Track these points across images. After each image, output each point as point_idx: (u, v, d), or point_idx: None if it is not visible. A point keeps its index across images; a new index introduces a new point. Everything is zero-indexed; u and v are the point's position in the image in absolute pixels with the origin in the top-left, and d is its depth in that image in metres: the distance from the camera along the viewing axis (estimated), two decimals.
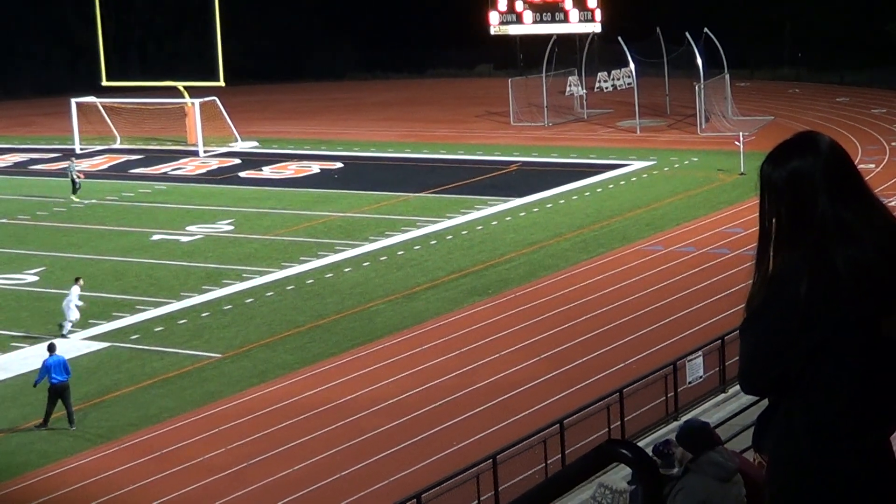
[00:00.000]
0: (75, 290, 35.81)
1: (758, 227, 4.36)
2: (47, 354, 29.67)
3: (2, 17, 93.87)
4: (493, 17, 74.47)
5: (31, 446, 27.98)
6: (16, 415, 29.87)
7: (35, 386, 29.54)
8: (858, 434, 4.27)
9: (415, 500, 22.26)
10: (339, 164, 60.99)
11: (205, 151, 65.31)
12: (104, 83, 69.75)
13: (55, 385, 29.02)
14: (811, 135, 4.39)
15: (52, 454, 27.48)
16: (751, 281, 4.38)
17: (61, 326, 35.45)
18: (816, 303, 4.16)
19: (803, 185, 4.27)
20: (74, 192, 54.99)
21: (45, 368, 29.28)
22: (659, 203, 48.38)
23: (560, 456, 24.29)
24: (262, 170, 60.58)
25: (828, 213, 4.23)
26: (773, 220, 4.31)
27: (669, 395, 27.27)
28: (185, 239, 46.53)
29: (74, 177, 55.42)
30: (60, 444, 27.98)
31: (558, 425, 24.74)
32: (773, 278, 4.27)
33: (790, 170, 4.30)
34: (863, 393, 4.25)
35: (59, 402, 28.99)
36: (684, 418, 24.30)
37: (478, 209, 49.07)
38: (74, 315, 35.58)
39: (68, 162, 58.46)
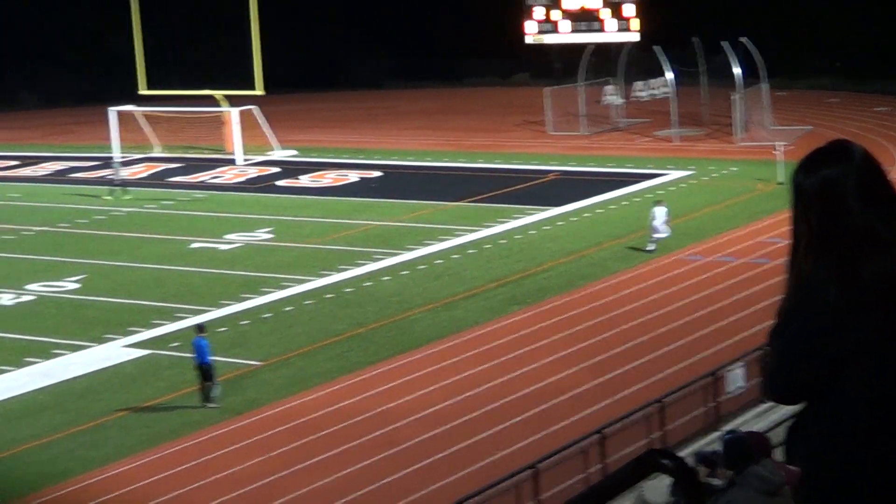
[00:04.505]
0: (660, 211, 42.35)
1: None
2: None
3: (41, 27, 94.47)
4: (530, 27, 74.40)
5: (74, 453, 28.15)
6: (59, 421, 30.06)
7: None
8: (888, 444, 4.29)
9: None
10: (377, 173, 61.09)
11: (243, 160, 65.54)
12: (143, 92, 70.04)
13: (196, 364, 30.59)
14: (843, 143, 4.41)
15: (94, 461, 27.64)
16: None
17: (652, 245, 42.17)
18: (844, 311, 4.19)
19: (834, 193, 4.28)
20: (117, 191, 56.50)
21: (193, 347, 31.13)
22: (697, 213, 48.26)
23: (600, 465, 24.28)
24: (300, 178, 60.74)
25: (858, 222, 4.25)
26: (805, 228, 4.35)
27: (710, 405, 27.22)
28: (224, 247, 46.72)
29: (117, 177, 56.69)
30: (102, 451, 28.15)
31: (599, 435, 24.73)
32: (802, 286, 4.30)
33: (822, 178, 4.31)
34: (890, 403, 4.27)
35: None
36: (725, 428, 24.25)
37: (516, 218, 49.07)
38: (662, 233, 42.23)
39: (112, 169, 58.92)
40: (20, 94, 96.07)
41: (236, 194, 57.76)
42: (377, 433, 28.30)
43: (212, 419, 29.72)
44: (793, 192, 4.38)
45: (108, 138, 68.61)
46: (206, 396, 30.51)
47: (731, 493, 9.73)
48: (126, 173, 58.21)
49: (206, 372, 30.63)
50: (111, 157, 61.54)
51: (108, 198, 56.50)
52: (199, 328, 31.81)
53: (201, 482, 26.31)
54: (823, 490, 4.39)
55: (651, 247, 42.51)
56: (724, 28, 69.50)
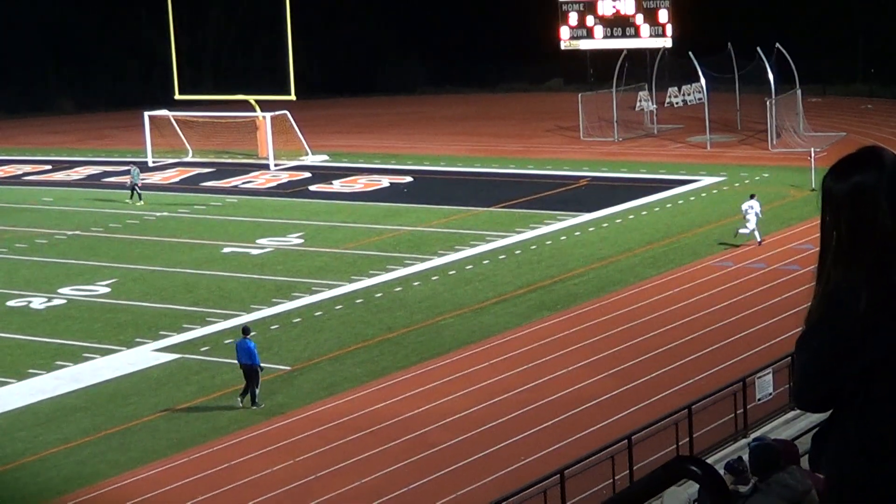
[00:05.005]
0: (755, 204, 43.86)
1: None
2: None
3: (77, 31, 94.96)
4: (564, 32, 74.42)
5: (103, 456, 28.22)
6: (88, 424, 30.15)
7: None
8: None
9: None
10: (408, 178, 61.13)
11: (275, 165, 65.67)
12: (177, 97, 70.29)
13: (242, 367, 30.83)
14: (875, 149, 4.34)
15: (123, 464, 27.70)
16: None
17: (742, 234, 43.79)
18: (874, 320, 4.12)
19: (865, 199, 4.20)
20: (136, 197, 56.81)
21: (236, 350, 31.29)
22: (729, 219, 48.02)
23: (628, 472, 24.18)
24: (332, 183, 60.83)
25: (888, 229, 4.17)
26: (834, 235, 4.27)
27: (738, 412, 27.10)
28: (255, 252, 46.80)
29: (134, 182, 56.90)
30: (131, 454, 28.21)
31: (626, 441, 24.64)
32: (831, 293, 4.23)
33: (852, 184, 4.24)
34: None
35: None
36: (753, 436, 24.13)
37: (547, 224, 49.02)
38: (751, 225, 43.68)
39: (131, 169, 58.89)
40: (57, 98, 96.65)
41: (268, 199, 57.86)
42: (406, 438, 28.28)
43: (241, 423, 29.75)
44: (822, 199, 4.31)
45: (142, 143, 69.04)
46: (252, 399, 30.65)
47: (753, 499, 9.69)
48: (141, 178, 58.17)
49: (249, 374, 30.72)
50: (144, 162, 61.76)
51: (128, 202, 56.66)
52: (245, 331, 31.84)
53: (230, 486, 26.34)
54: (849, 498, 4.32)
55: (745, 230, 43.85)
56: (759, 34, 69.36)
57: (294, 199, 57.44)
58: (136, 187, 57.18)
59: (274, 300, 39.85)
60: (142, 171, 61.31)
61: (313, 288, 41.04)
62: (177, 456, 28.06)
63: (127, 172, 59.26)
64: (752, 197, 44.60)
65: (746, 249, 43.30)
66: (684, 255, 43.26)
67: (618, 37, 72.92)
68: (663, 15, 71.59)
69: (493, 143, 71.10)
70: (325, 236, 48.97)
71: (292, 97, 66.17)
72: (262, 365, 31.08)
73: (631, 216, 50.05)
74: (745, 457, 12.23)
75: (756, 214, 43.60)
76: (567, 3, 73.67)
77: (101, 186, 62.73)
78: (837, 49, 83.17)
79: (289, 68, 65.96)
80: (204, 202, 57.18)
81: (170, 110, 70.50)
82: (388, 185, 59.89)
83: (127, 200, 56.83)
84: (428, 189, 58.00)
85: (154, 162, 67.98)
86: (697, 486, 4.23)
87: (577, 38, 74.24)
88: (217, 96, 73.17)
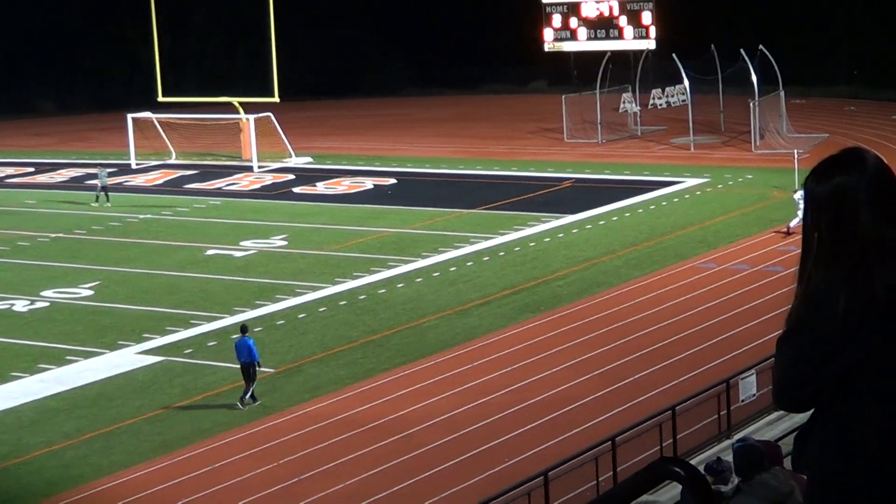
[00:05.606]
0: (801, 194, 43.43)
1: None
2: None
3: (61, 33, 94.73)
4: (548, 34, 74.39)
5: (86, 459, 28.17)
6: (71, 427, 30.08)
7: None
8: (893, 456, 4.23)
9: None
10: (392, 180, 61.10)
11: (259, 167, 65.60)
12: (160, 99, 70.19)
13: (241, 364, 31.01)
14: (857, 151, 4.35)
15: (106, 467, 27.65)
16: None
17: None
18: (854, 321, 4.13)
19: (846, 201, 4.22)
20: (106, 199, 56.75)
21: (236, 348, 31.48)
22: (712, 220, 48.20)
23: (612, 473, 24.21)
24: (315, 185, 60.78)
25: (869, 231, 4.18)
26: (815, 236, 4.29)
27: (722, 413, 27.14)
28: (238, 254, 46.74)
29: (103, 184, 56.80)
30: (114, 458, 28.16)
31: (610, 442, 24.67)
32: (811, 295, 4.24)
33: (833, 185, 4.25)
34: None
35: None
36: (737, 437, 24.16)
37: (531, 226, 49.03)
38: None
39: (98, 171, 58.65)
40: (37, 101, 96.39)
41: (252, 201, 57.80)
42: (390, 440, 28.27)
43: (225, 425, 29.71)
44: (804, 200, 4.33)
45: (126, 145, 68.91)
46: (252, 395, 30.81)
47: (736, 500, 9.71)
48: (109, 181, 58.03)
49: (246, 371, 30.89)
50: (128, 164, 61.54)
51: (107, 204, 56.59)
52: (244, 329, 31.95)
53: (215, 488, 26.31)
54: (831, 499, 4.33)
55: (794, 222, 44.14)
56: (742, 36, 69.46)
57: (277, 201, 57.37)
58: (105, 189, 57.01)
59: (257, 302, 39.81)
60: (125, 174, 61.16)
61: (297, 290, 40.99)
62: (161, 458, 28.01)
63: (95, 176, 59.02)
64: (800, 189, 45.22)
65: (731, 251, 43.36)
66: (668, 256, 43.31)
67: (601, 38, 72.87)
68: (647, 17, 71.58)
69: (477, 145, 71.11)
70: (308, 238, 48.93)
71: (276, 99, 66.14)
72: (259, 361, 31.16)
73: (615, 218, 50.09)
74: (727, 457, 12.27)
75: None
76: (551, 4, 73.65)
77: (83, 189, 62.55)
78: (821, 51, 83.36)
79: (272, 70, 65.90)
80: (187, 204, 57.09)
81: (153, 112, 70.38)
82: (372, 186, 59.86)
83: (106, 203, 56.65)
84: (411, 191, 57.99)
85: (137, 164, 67.86)
86: (681, 487, 4.23)
87: (561, 39, 74.20)
88: (201, 98, 73.04)
